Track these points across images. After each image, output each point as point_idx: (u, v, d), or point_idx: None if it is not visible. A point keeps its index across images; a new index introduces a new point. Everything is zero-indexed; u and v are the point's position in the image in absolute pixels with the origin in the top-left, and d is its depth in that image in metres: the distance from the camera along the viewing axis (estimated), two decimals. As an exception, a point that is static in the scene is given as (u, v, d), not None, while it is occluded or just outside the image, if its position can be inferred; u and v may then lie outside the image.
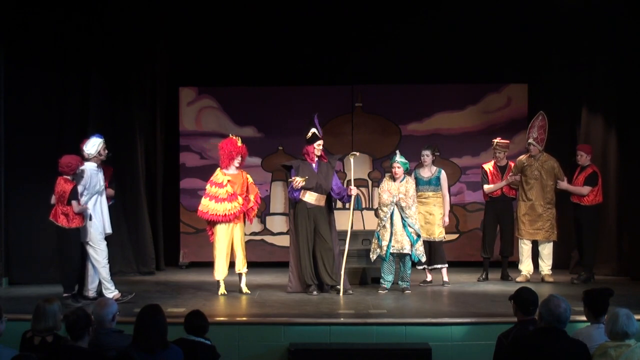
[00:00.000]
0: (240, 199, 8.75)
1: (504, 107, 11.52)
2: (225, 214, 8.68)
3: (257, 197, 8.95)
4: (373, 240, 8.96)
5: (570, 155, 9.96)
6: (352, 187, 8.83)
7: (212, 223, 8.81)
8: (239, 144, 8.91)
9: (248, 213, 8.87)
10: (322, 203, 8.83)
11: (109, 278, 8.27)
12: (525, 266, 9.69)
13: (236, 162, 8.87)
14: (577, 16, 10.35)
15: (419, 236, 8.88)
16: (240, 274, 8.87)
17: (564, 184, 9.61)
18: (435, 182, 9.43)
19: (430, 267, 9.45)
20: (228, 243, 8.78)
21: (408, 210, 8.80)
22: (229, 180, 8.80)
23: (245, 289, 8.82)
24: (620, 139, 10.27)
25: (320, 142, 8.91)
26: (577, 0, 10.01)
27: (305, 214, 8.77)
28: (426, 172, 9.47)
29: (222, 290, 8.75)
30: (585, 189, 9.52)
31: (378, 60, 11.28)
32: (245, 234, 10.41)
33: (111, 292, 8.17)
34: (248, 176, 9.01)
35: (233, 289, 8.87)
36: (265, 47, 11.24)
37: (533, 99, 11.35)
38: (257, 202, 8.95)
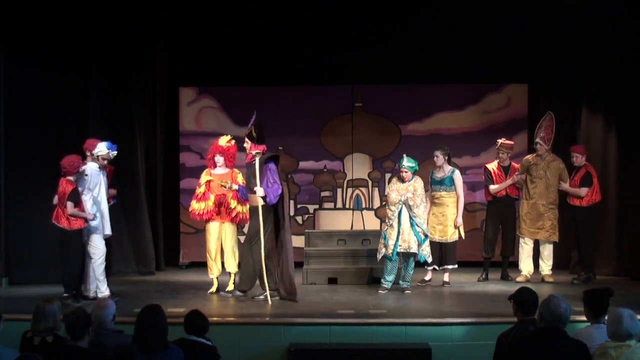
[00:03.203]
0: (212, 198, 8.75)
1: (504, 107, 11.51)
2: (199, 213, 8.80)
3: (234, 196, 8.79)
4: (380, 241, 8.94)
5: (569, 156, 9.95)
6: (257, 187, 8.34)
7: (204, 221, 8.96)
8: (221, 142, 8.91)
9: (229, 214, 8.85)
10: (256, 203, 8.33)
11: (103, 277, 8.29)
12: (526, 266, 9.69)
13: (217, 162, 8.90)
14: (577, 16, 10.35)
15: (426, 236, 8.87)
16: (229, 274, 8.90)
17: (564, 185, 9.62)
18: (448, 182, 9.39)
19: (441, 268, 9.43)
20: (216, 242, 8.87)
21: (416, 209, 8.78)
22: (208, 181, 8.88)
23: (228, 287, 8.78)
24: (620, 139, 10.26)
25: (245, 140, 8.53)
26: (577, 0, 10.02)
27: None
28: (439, 172, 9.45)
29: (212, 289, 8.85)
30: (583, 191, 9.52)
31: (378, 60, 11.27)
32: (245, 234, 10.48)
33: (101, 292, 8.20)
34: (238, 176, 8.97)
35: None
36: (265, 47, 11.23)
37: (533, 99, 11.35)
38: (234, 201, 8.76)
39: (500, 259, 10.01)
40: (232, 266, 8.89)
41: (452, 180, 9.40)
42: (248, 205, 8.83)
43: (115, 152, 8.52)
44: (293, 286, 8.31)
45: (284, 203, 8.47)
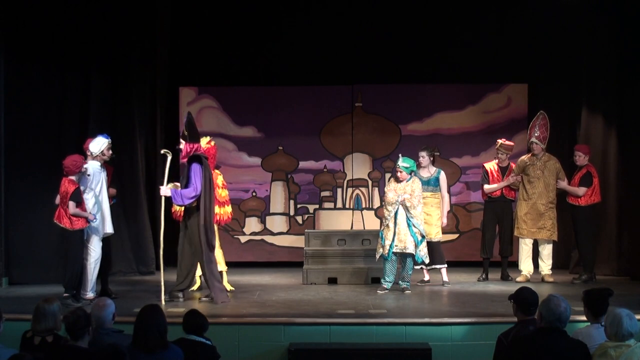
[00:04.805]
0: None
1: (504, 107, 11.51)
2: (181, 213, 8.70)
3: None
4: (378, 240, 8.94)
5: (570, 156, 9.96)
6: (162, 187, 8.25)
7: None
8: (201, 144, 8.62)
9: None
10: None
11: (94, 279, 8.30)
12: (526, 266, 9.69)
13: None
14: (577, 16, 10.35)
15: (423, 237, 8.87)
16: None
17: (563, 184, 9.62)
18: (434, 183, 9.42)
19: (428, 267, 9.44)
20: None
21: (413, 210, 8.77)
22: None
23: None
24: (620, 139, 10.26)
25: (180, 140, 8.34)
26: (577, -1, 10.05)
27: None
28: (425, 173, 9.47)
29: (194, 286, 8.93)
30: (581, 190, 9.52)
31: (378, 60, 11.28)
32: (245, 234, 10.69)
33: (85, 292, 8.21)
34: (219, 177, 8.96)
35: (238, 289, 8.88)
36: (265, 47, 11.24)
37: (533, 99, 11.35)
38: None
39: (500, 259, 10.01)
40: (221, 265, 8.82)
41: (437, 181, 9.42)
42: (228, 207, 8.97)
43: (109, 140, 8.47)
44: (214, 288, 8.13)
45: (205, 204, 8.10)
